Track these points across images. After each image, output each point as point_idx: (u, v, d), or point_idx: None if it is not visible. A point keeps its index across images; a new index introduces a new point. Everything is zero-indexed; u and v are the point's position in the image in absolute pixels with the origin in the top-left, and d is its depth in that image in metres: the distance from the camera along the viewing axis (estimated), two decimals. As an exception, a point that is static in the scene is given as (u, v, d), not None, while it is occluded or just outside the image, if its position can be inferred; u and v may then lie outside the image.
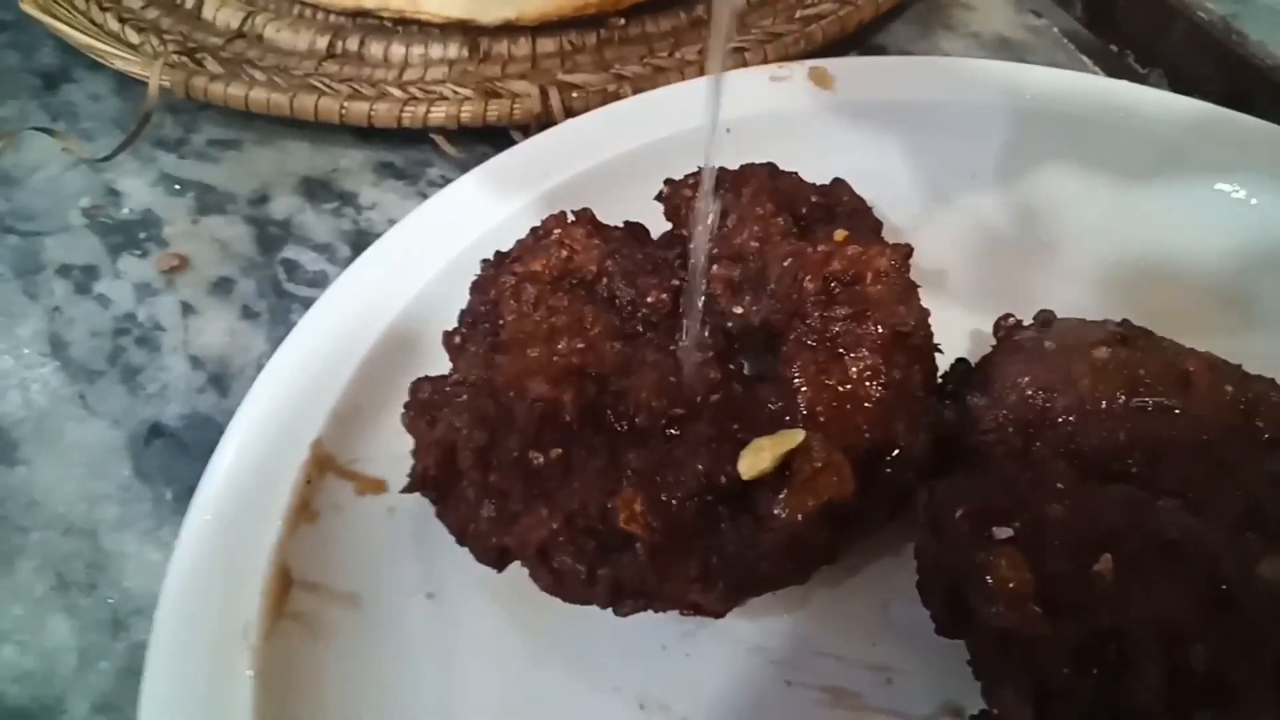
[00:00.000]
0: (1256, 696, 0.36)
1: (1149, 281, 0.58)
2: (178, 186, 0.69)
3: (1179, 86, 0.73)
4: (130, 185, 0.69)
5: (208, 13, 0.76)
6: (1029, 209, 0.64)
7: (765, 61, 0.70)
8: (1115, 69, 0.77)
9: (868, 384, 0.45)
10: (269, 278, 0.63)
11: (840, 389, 0.45)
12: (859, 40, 0.78)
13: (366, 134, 0.71)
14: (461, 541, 0.45)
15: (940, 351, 0.50)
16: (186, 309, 0.61)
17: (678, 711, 0.43)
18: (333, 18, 0.76)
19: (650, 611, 0.45)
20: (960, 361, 0.51)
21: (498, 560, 0.44)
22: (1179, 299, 0.57)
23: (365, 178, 0.70)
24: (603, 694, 0.44)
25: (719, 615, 0.44)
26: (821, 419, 0.44)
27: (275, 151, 0.71)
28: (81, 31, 0.72)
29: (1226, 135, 0.60)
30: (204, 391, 0.57)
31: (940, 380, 0.50)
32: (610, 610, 0.44)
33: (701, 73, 0.69)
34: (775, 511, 0.42)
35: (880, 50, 0.79)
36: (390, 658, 0.44)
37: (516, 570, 0.45)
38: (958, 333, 0.54)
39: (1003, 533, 0.40)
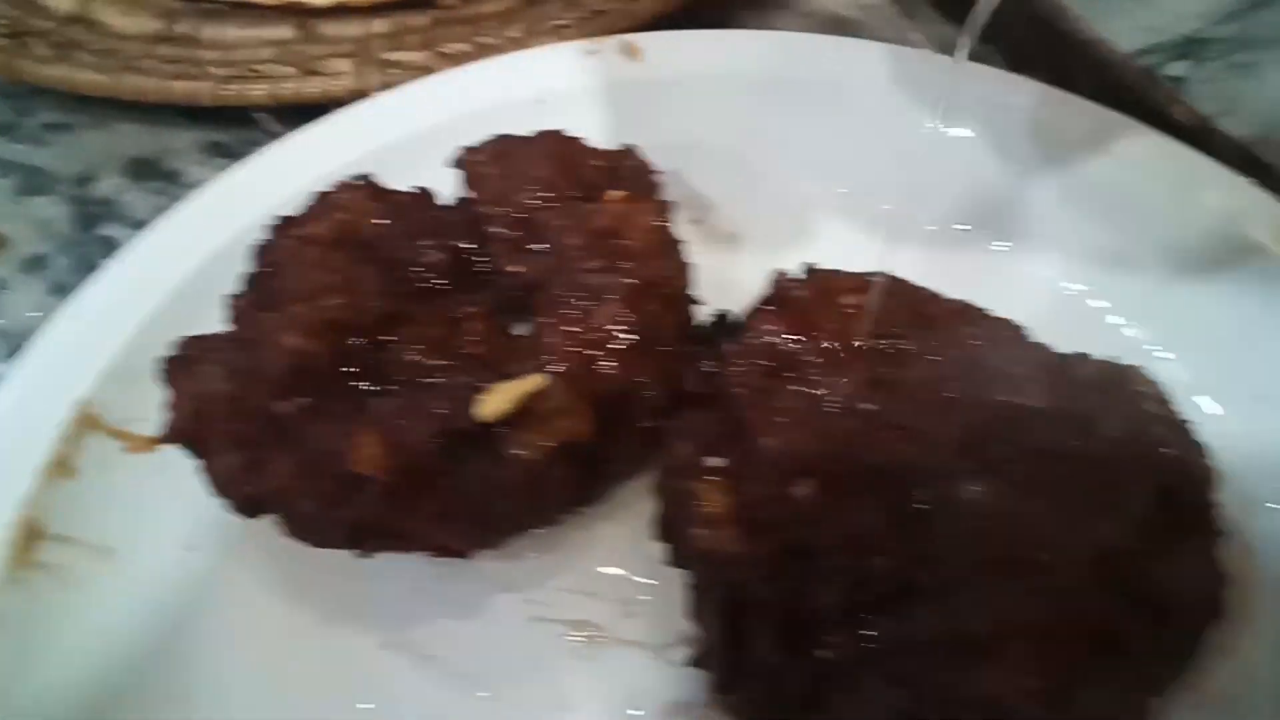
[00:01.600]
0: (937, 607, 0.38)
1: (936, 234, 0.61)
2: (2, 169, 0.69)
3: (1017, 65, 0.75)
4: (-46, 169, 0.70)
5: (43, -3, 0.77)
6: (832, 171, 0.66)
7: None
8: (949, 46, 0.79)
9: (612, 331, 0.47)
10: (84, 255, 0.64)
11: (585, 336, 0.47)
12: (695, 19, 0.80)
13: (198, 115, 0.72)
14: (216, 493, 0.46)
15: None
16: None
17: (425, 651, 0.45)
18: (169, 2, 0.77)
19: (401, 554, 0.47)
20: (721, 314, 0.53)
21: (250, 509, 0.46)
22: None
23: (193, 157, 0.71)
24: (354, 636, 0.46)
25: (466, 555, 0.46)
26: (566, 365, 0.46)
27: (106, 134, 0.72)
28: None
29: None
30: (6, 362, 0.58)
31: (701, 328, 0.52)
32: (359, 554, 0.46)
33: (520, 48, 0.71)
34: (513, 451, 0.44)
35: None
36: (145, 609, 0.45)
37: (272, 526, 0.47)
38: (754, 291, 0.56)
39: (714, 462, 0.43)
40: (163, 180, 0.69)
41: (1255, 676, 0.44)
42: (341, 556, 0.46)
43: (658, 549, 0.47)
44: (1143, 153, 0.61)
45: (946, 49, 0.75)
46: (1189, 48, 0.72)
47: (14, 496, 0.44)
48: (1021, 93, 0.64)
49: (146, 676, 0.44)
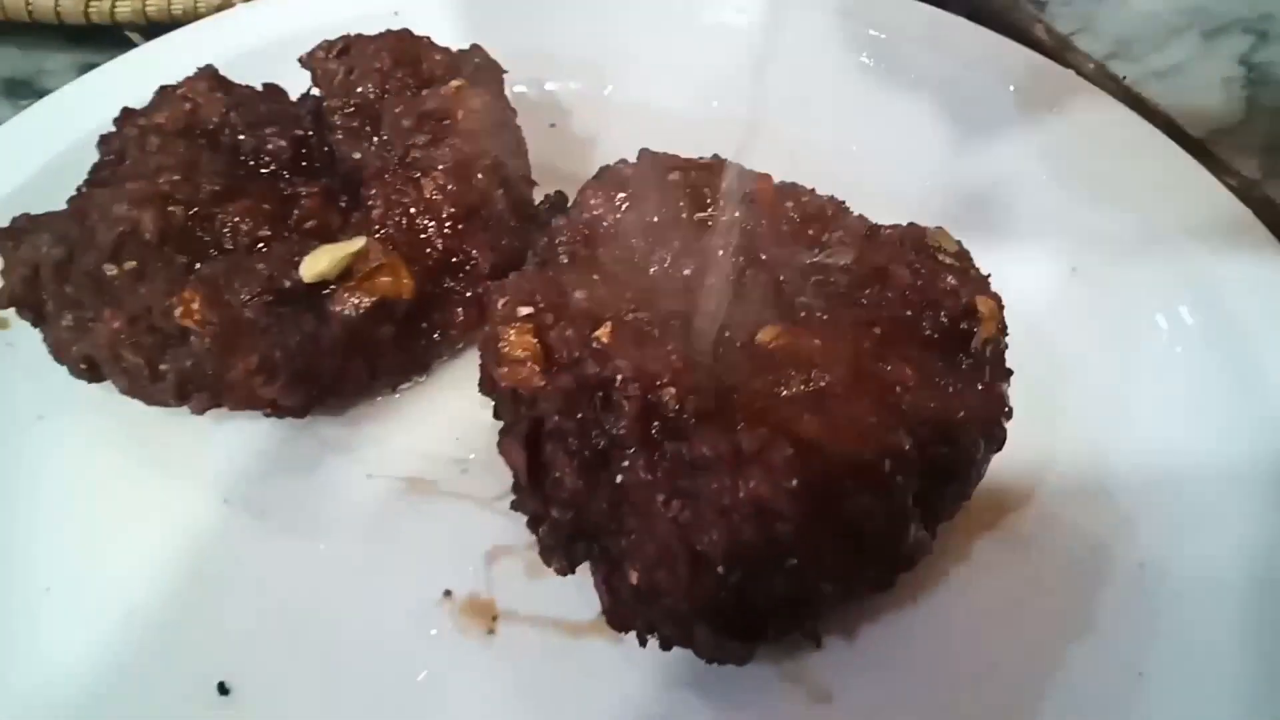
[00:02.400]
0: (715, 431, 0.41)
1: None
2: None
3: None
4: None
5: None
6: (684, 83, 0.68)
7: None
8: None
9: (434, 201, 0.49)
10: (-46, 165, 0.65)
11: (407, 205, 0.49)
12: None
13: (76, 37, 0.73)
14: (57, 360, 0.48)
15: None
16: None
17: (258, 504, 0.47)
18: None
19: (235, 412, 0.49)
20: (558, 193, 0.55)
21: (87, 371, 0.47)
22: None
23: (69, 78, 0.72)
24: (193, 490, 0.47)
25: (297, 414, 0.48)
26: (389, 231, 0.48)
27: (-17, 55, 0.73)
28: None
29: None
30: None
31: (539, 207, 0.54)
32: (193, 410, 0.48)
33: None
34: (333, 308, 0.46)
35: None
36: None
37: (120, 394, 0.48)
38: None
39: (523, 310, 0.45)
40: (35, 98, 0.70)
41: (1052, 517, 0.47)
42: (185, 423, 0.48)
43: (487, 413, 0.49)
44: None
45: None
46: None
47: None
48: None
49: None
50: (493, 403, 0.49)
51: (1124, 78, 0.71)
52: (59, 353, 0.47)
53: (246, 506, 0.47)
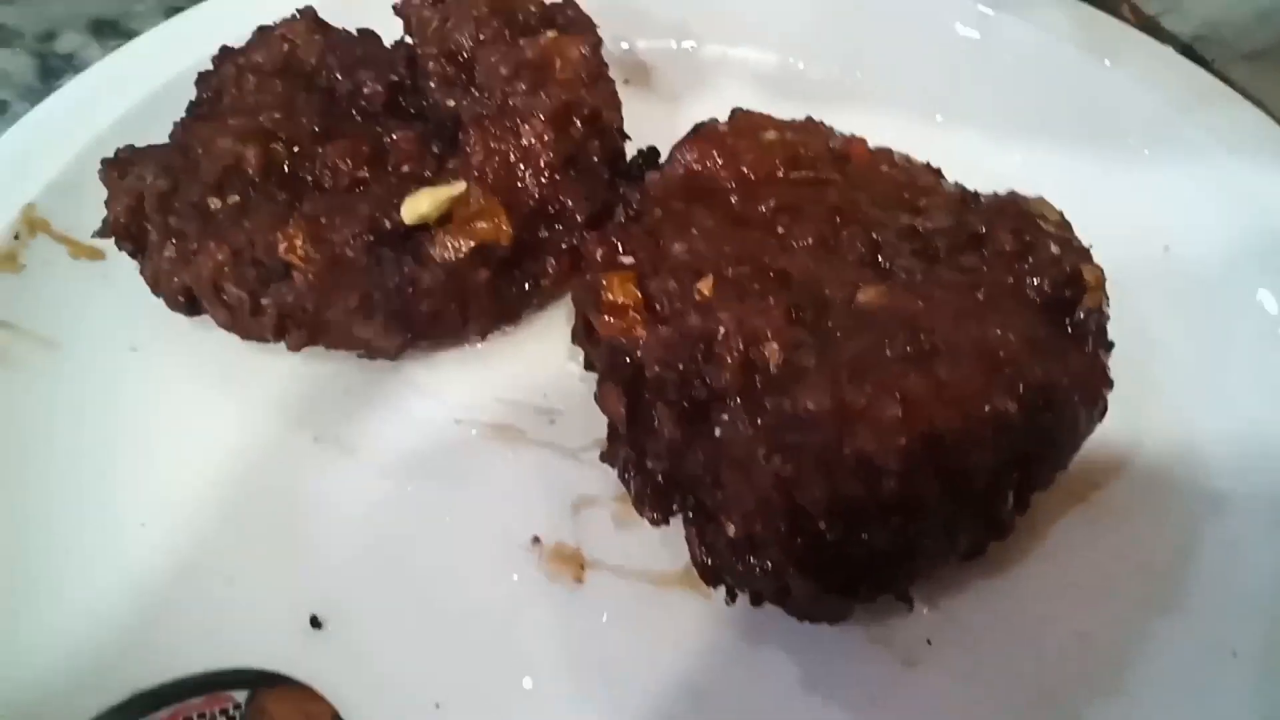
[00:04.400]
0: (818, 386, 0.40)
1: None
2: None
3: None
4: (-80, 23, 0.71)
5: None
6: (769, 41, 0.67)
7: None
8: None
9: (534, 149, 0.49)
10: (45, 101, 0.66)
11: (507, 151, 0.49)
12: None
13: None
14: (155, 290, 0.48)
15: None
16: (-40, 128, 0.64)
17: (348, 442, 0.47)
18: None
19: (328, 350, 0.49)
20: (650, 148, 0.55)
21: (185, 304, 0.48)
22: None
23: (155, 20, 0.72)
24: (286, 431, 0.48)
25: (390, 355, 0.49)
26: (487, 176, 0.48)
27: (69, -5, 0.74)
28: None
29: None
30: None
31: (630, 161, 0.54)
32: (289, 347, 0.48)
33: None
34: (432, 250, 0.46)
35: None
36: (87, 401, 0.47)
37: (214, 330, 0.49)
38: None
39: (624, 259, 0.45)
40: (123, 39, 0.70)
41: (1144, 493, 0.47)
42: (278, 361, 0.48)
43: (579, 366, 0.49)
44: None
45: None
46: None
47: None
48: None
49: (82, 465, 0.46)
50: (582, 354, 0.49)
51: (1212, 60, 0.70)
52: (158, 284, 0.47)
53: (338, 444, 0.48)
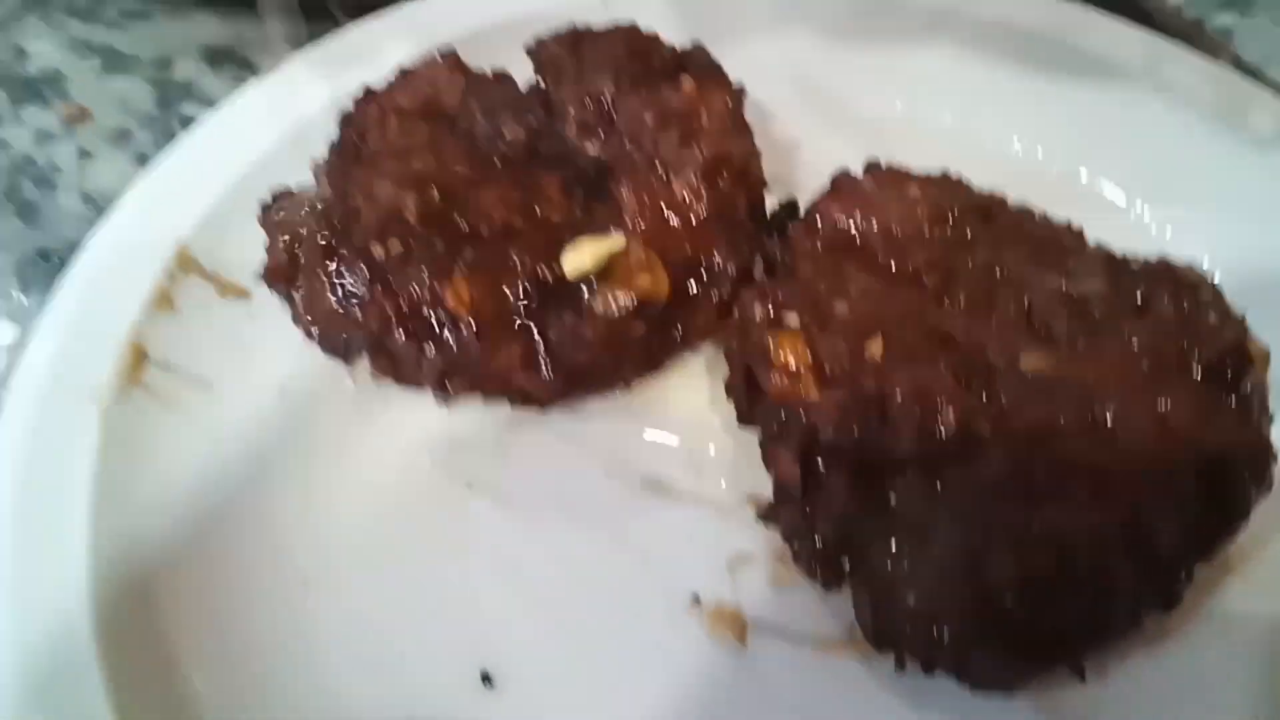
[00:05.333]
0: (999, 456, 0.40)
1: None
2: (85, 50, 0.71)
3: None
4: (38, 47, 0.72)
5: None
6: (891, 89, 0.67)
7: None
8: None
9: (687, 202, 0.49)
10: (166, 130, 0.66)
11: (660, 203, 0.49)
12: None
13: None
14: (309, 335, 0.48)
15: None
16: (83, 154, 0.65)
17: (502, 492, 0.47)
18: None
19: (481, 401, 0.49)
20: (791, 201, 0.55)
21: (342, 350, 0.48)
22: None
23: (267, 49, 0.73)
24: (436, 476, 0.48)
25: (545, 404, 0.49)
26: (643, 230, 0.48)
27: (183, 23, 0.74)
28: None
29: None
30: (93, 223, 0.59)
31: (771, 214, 0.54)
32: (443, 400, 0.48)
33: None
34: (594, 305, 0.46)
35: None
36: (238, 439, 0.47)
37: (360, 371, 0.49)
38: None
39: (791, 319, 0.45)
40: (238, 67, 0.71)
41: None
42: (425, 408, 0.48)
43: (725, 415, 0.49)
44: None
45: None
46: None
47: (124, 321, 0.47)
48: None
49: (236, 504, 0.46)
50: (725, 404, 0.49)
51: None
52: (315, 329, 0.47)
53: (492, 493, 0.47)
